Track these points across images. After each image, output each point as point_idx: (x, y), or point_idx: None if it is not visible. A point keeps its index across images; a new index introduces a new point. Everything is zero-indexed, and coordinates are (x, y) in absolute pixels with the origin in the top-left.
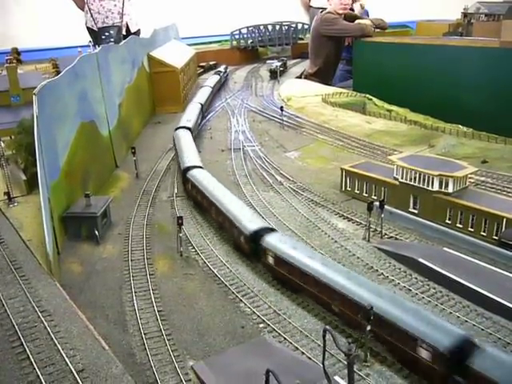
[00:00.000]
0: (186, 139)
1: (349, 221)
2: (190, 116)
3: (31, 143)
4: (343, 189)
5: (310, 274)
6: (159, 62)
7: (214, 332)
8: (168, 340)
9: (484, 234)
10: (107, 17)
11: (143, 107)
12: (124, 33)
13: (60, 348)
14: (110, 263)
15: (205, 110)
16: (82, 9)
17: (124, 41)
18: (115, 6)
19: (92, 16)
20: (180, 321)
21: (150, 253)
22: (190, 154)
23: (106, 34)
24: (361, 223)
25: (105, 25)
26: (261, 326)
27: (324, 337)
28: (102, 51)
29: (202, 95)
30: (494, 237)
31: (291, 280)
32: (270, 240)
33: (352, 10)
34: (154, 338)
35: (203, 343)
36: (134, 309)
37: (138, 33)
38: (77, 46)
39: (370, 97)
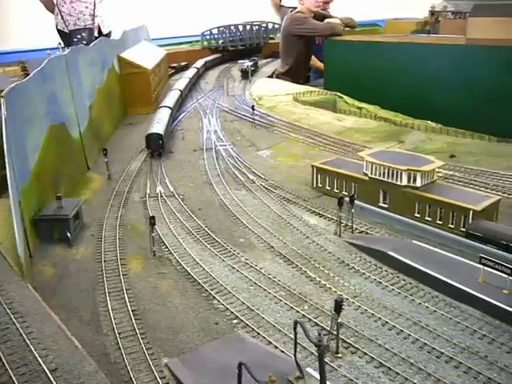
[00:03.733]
0: (162, 114)
1: (320, 217)
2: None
3: (0, 146)
4: (314, 185)
5: None
6: (129, 63)
7: (188, 329)
8: (142, 339)
9: (452, 227)
10: (79, 19)
11: (114, 108)
12: (96, 35)
13: (33, 349)
14: (83, 265)
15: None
16: (52, 11)
17: (93, 42)
18: (86, 7)
19: (63, 18)
20: (154, 319)
21: (123, 253)
22: (155, 125)
23: (78, 36)
24: (332, 219)
25: (76, 27)
26: (234, 321)
27: (295, 329)
28: (71, 53)
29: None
30: (462, 229)
31: None
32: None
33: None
34: (128, 337)
35: (177, 340)
36: (107, 309)
37: (109, 35)
38: (46, 49)
39: (341, 95)
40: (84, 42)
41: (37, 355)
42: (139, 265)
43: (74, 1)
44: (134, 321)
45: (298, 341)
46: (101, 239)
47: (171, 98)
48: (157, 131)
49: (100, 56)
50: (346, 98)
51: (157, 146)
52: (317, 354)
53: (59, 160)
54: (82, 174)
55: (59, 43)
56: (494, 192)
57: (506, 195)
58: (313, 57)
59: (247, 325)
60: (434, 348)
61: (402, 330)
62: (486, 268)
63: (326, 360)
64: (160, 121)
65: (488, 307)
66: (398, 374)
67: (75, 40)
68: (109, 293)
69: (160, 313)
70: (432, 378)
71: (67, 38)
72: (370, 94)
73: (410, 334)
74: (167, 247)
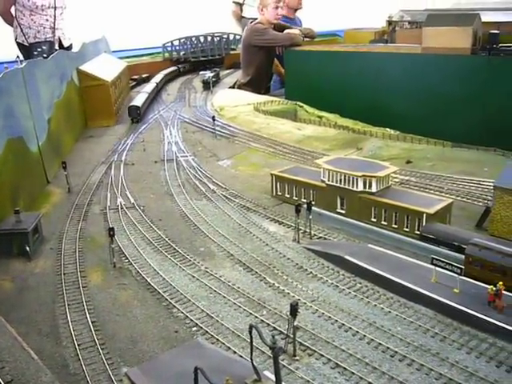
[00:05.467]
0: (141, 94)
1: (280, 224)
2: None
3: None
4: (274, 193)
5: None
6: (89, 75)
7: (147, 338)
8: (102, 349)
9: (407, 230)
10: (39, 31)
11: (74, 121)
12: (57, 48)
13: None
14: (43, 278)
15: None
16: (11, 24)
17: (51, 55)
18: (47, 20)
19: (22, 31)
20: (114, 330)
21: (82, 266)
22: (135, 100)
23: (39, 49)
24: (291, 226)
25: (37, 40)
26: (194, 329)
27: (250, 333)
28: (28, 66)
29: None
30: (417, 231)
31: None
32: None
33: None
34: (88, 348)
35: (137, 350)
36: (67, 321)
37: (70, 47)
38: (4, 62)
39: (301, 104)
40: (45, 55)
41: None
42: (99, 277)
43: (33, 13)
44: (93, 332)
45: (255, 345)
46: (60, 252)
47: (148, 88)
48: (136, 104)
49: (58, 69)
50: (306, 107)
51: (135, 115)
52: (271, 356)
53: (17, 174)
54: (41, 188)
55: (17, 56)
56: (448, 195)
57: (459, 198)
58: (276, 61)
59: (207, 332)
60: (388, 347)
61: (357, 332)
62: (437, 268)
63: (283, 363)
64: (139, 98)
65: (440, 306)
66: (353, 373)
67: (35, 53)
68: (68, 305)
69: (120, 323)
70: (386, 376)
71: (27, 51)
72: (329, 102)
73: (365, 335)
74: (127, 258)
